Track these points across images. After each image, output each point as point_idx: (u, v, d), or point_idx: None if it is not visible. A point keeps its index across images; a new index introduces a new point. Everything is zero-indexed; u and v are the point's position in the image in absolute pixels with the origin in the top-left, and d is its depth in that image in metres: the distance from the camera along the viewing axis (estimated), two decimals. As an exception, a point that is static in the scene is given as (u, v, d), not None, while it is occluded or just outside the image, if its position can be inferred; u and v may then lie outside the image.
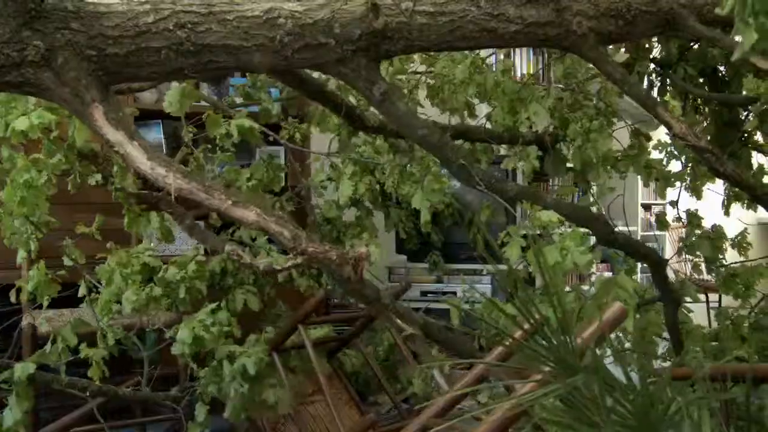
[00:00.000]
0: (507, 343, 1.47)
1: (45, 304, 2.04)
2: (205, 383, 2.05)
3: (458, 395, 1.71)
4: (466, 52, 2.33)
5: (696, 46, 2.45)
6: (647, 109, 2.12)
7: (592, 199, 2.70)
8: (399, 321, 1.86)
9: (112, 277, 2.08)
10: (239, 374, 1.91)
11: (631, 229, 5.29)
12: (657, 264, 2.49)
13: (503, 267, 2.07)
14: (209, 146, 2.55)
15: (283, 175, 2.81)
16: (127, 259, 2.18)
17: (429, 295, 4.06)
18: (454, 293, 3.87)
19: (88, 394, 2.23)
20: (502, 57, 2.85)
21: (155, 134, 3.84)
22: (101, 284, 2.18)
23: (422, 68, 2.57)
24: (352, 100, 2.28)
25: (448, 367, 2.09)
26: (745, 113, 2.41)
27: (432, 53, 2.45)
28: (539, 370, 1.15)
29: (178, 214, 1.55)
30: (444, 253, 3.92)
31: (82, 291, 2.31)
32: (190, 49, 1.51)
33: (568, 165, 2.41)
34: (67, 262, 2.27)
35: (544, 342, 1.12)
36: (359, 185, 2.68)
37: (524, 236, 2.04)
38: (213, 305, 1.97)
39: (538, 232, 1.98)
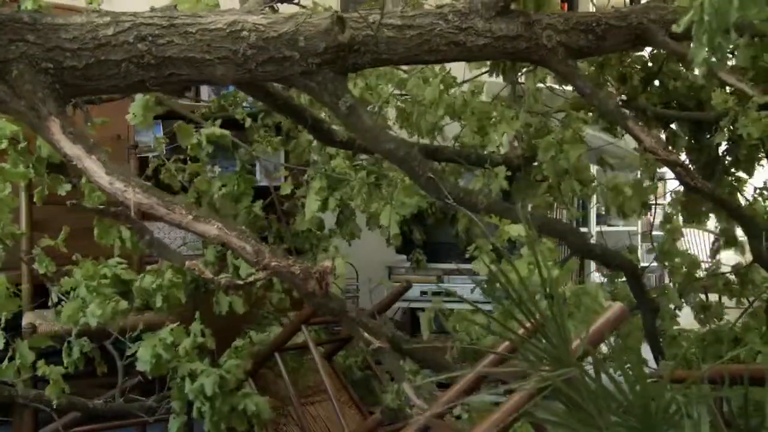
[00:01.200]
0: (506, 344, 1.50)
1: (3, 320, 2.00)
2: (172, 399, 2.03)
3: (458, 396, 1.71)
4: (437, 70, 2.32)
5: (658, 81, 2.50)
6: (618, 123, 2.13)
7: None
8: (366, 334, 1.84)
9: (77, 289, 2.04)
10: (200, 393, 1.88)
11: (631, 228, 5.31)
12: (633, 273, 2.49)
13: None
14: (180, 157, 2.53)
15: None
16: (93, 270, 2.15)
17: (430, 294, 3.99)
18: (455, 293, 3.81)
19: (54, 407, 2.19)
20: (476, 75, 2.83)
21: (155, 134, 3.81)
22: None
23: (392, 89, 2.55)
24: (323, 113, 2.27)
25: (420, 380, 2.07)
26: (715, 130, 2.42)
27: (405, 69, 2.44)
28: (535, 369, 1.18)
29: (138, 229, 1.53)
30: (429, 251, 3.86)
31: (52, 300, 2.29)
32: (151, 62, 1.50)
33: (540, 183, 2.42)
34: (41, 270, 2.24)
35: (540, 342, 1.17)
36: (330, 200, 2.66)
37: (495, 249, 2.03)
38: (173, 325, 1.94)
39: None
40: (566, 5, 4.92)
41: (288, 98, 1.95)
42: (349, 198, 2.50)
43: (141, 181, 1.46)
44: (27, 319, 2.48)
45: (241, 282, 1.56)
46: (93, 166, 1.42)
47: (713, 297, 2.96)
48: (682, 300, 2.80)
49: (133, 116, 1.91)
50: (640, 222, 6.41)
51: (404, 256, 4.02)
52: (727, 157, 2.56)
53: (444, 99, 2.25)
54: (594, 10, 2.35)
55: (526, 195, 2.39)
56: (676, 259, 2.82)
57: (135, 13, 1.51)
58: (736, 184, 2.83)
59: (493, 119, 2.28)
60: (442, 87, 2.26)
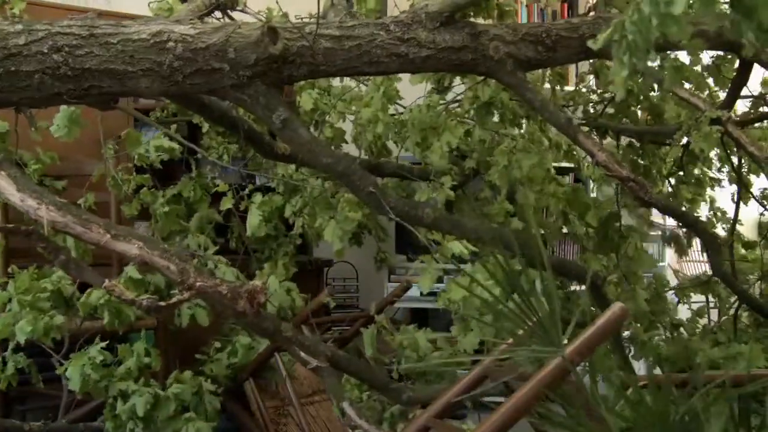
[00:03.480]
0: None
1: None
2: (105, 419, 1.95)
3: (458, 395, 1.67)
4: (379, 83, 2.26)
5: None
6: (567, 136, 2.08)
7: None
8: (303, 354, 1.77)
9: (8, 303, 1.96)
10: (132, 414, 1.81)
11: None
12: (592, 284, 2.44)
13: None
14: (133, 164, 2.45)
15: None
16: (29, 284, 2.07)
17: (430, 295, 3.94)
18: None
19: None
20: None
21: (155, 134, 3.74)
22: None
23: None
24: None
25: (355, 399, 2.02)
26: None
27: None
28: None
29: (50, 249, 1.45)
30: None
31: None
32: (68, 73, 1.43)
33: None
34: None
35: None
36: (287, 207, 2.60)
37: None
38: (103, 343, 1.87)
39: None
40: (566, 5, 4.87)
41: (226, 110, 1.88)
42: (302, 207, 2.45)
43: (55, 199, 1.39)
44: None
45: (163, 303, 1.49)
46: (3, 183, 1.35)
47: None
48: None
49: (56, 128, 1.83)
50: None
51: (404, 256, 3.98)
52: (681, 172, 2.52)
53: (383, 117, 2.19)
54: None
55: (470, 210, 2.34)
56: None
57: (51, 23, 1.44)
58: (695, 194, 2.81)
59: (437, 129, 2.22)
60: (384, 100, 2.19)
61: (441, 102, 2.66)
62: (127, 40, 1.48)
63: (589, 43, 1.01)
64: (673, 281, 3.89)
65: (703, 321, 2.96)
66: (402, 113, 2.66)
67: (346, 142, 2.76)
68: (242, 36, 1.57)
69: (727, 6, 0.98)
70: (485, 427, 1.28)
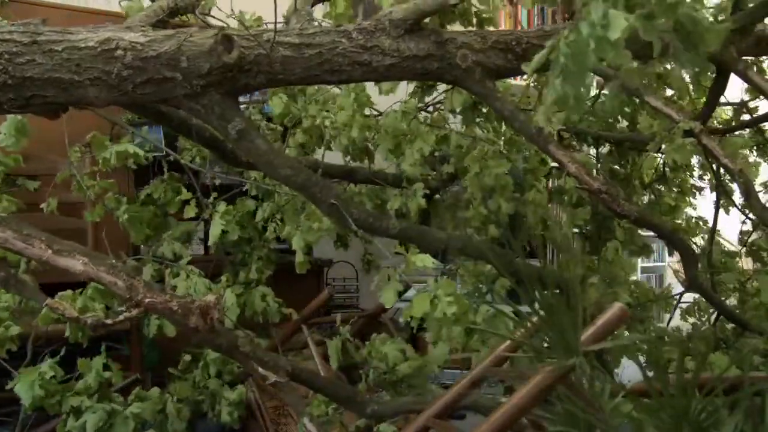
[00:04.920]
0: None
1: None
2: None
3: (457, 396, 1.65)
4: (350, 90, 2.21)
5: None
6: (538, 146, 2.03)
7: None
8: (261, 369, 1.73)
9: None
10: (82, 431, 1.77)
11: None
12: (561, 290, 2.41)
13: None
14: (96, 168, 2.41)
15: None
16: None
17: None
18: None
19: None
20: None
21: (155, 135, 3.69)
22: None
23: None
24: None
25: (322, 413, 1.98)
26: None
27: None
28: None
29: (-7, 265, 1.41)
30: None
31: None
32: (8, 82, 1.38)
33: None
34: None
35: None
36: (259, 212, 2.56)
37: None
38: (54, 359, 1.82)
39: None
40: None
41: (185, 117, 1.84)
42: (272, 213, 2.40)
43: (-5, 213, 1.35)
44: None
45: (110, 321, 1.45)
46: (-61, 197, 1.30)
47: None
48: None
49: (3, 137, 1.79)
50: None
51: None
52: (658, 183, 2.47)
53: (357, 120, 2.14)
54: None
55: (444, 219, 2.30)
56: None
57: (-9, 29, 1.39)
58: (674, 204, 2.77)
59: (409, 136, 2.17)
60: (355, 106, 2.15)
61: (421, 105, 2.62)
62: (73, 48, 1.43)
63: (523, 66, 0.96)
64: (674, 281, 3.87)
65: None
66: (379, 116, 2.62)
67: (326, 147, 2.71)
68: (195, 44, 1.52)
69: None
70: (485, 427, 1.30)
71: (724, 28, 0.94)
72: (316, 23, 1.95)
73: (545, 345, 1.28)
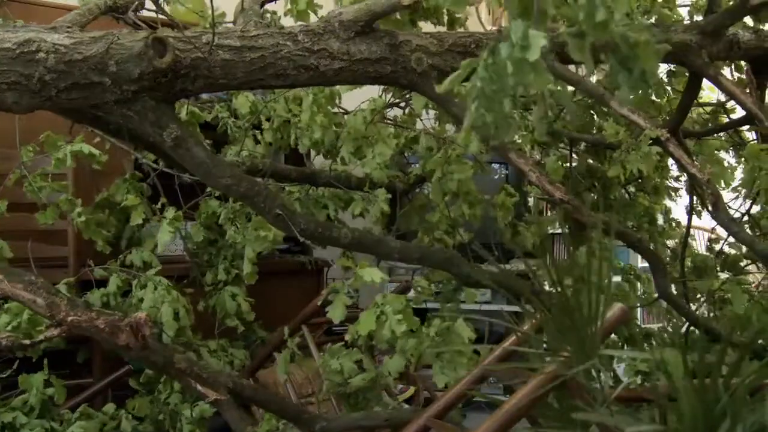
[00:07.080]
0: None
1: None
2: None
3: (458, 395, 1.59)
4: (309, 91, 2.12)
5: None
6: (498, 154, 1.95)
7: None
8: (200, 387, 1.66)
9: None
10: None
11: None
12: (533, 292, 2.34)
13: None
14: (46, 170, 2.31)
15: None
16: None
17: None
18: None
19: None
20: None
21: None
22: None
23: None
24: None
25: (272, 428, 1.91)
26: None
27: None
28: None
29: None
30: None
31: None
32: None
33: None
34: None
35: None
36: (209, 218, 2.47)
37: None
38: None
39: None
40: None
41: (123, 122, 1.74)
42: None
43: None
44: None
45: (28, 342, 1.37)
46: None
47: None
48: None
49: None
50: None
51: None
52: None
53: (317, 120, 2.05)
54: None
55: (410, 223, 2.22)
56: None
57: None
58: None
59: (370, 138, 2.09)
60: (315, 108, 2.06)
61: (394, 101, 2.53)
62: (-10, 51, 1.34)
63: (436, 87, 0.88)
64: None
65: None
66: (347, 114, 2.53)
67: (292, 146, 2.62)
68: (124, 47, 1.43)
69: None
70: (485, 426, 1.28)
71: (662, 48, 0.86)
72: (266, 23, 1.85)
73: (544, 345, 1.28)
